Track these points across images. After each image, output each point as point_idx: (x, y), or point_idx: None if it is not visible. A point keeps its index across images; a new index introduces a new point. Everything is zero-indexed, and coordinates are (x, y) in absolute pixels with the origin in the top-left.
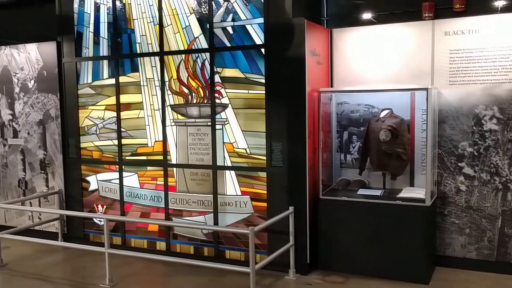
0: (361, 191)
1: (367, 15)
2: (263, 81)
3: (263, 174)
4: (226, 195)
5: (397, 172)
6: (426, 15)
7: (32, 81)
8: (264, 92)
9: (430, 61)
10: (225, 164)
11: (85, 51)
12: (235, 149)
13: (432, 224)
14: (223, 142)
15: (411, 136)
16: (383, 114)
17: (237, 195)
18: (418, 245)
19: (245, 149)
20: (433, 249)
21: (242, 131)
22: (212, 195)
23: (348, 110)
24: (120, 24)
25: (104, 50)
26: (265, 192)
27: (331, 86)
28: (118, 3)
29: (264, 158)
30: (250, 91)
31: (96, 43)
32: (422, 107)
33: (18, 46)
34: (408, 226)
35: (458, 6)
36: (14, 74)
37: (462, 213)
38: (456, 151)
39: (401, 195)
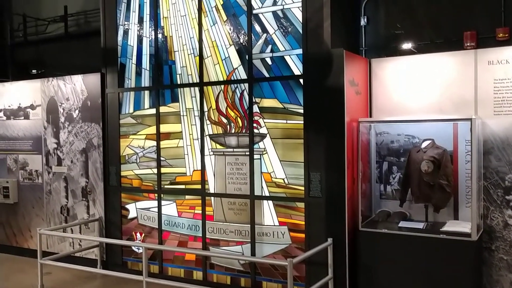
0: (402, 224)
1: (406, 45)
2: (302, 111)
3: (301, 205)
4: (264, 225)
5: (440, 204)
6: (468, 44)
7: (77, 111)
8: (302, 122)
9: (473, 91)
10: (263, 194)
11: (127, 82)
12: (273, 179)
13: (478, 259)
14: (261, 172)
15: (454, 167)
16: (424, 144)
17: (274, 226)
18: (464, 282)
19: (283, 179)
20: (479, 286)
21: (280, 161)
22: (249, 225)
23: (388, 140)
24: (161, 56)
25: (145, 81)
26: (303, 222)
27: (370, 116)
28: (160, 36)
29: (302, 188)
30: (288, 121)
31: (138, 74)
32: (466, 138)
33: (64, 78)
34: (453, 261)
35: (501, 35)
36: (60, 104)
37: (511, 248)
38: (503, 184)
39: (445, 228)
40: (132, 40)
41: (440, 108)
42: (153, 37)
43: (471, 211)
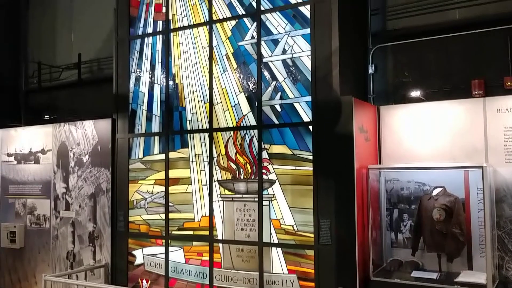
0: (415, 273)
1: (415, 93)
2: (311, 157)
3: (310, 252)
4: (273, 273)
5: (453, 254)
6: (476, 92)
7: (87, 156)
8: (311, 168)
9: (483, 138)
10: (272, 241)
11: (138, 127)
12: (282, 226)
13: None
14: (270, 218)
15: (466, 215)
16: (435, 192)
17: (283, 274)
18: None
19: (292, 226)
20: None
21: (290, 207)
22: (258, 273)
23: (398, 187)
24: (172, 102)
25: (156, 127)
26: (313, 271)
27: (380, 163)
28: (171, 83)
29: (312, 235)
30: (297, 167)
31: (149, 119)
32: (478, 185)
33: (76, 123)
34: None
35: (509, 83)
36: (70, 149)
37: None
38: None
39: (460, 279)
40: (144, 87)
41: (451, 155)
42: (164, 84)
43: (486, 261)
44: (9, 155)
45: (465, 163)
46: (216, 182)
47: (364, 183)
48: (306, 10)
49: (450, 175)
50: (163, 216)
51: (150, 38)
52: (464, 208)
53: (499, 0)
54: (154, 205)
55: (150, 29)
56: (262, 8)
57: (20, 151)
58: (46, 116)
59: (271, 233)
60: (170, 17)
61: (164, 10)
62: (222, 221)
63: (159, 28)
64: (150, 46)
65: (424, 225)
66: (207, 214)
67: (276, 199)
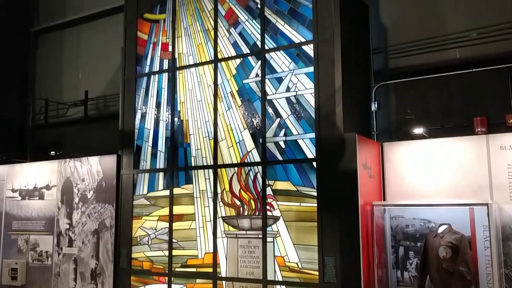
0: None
1: (418, 130)
2: (315, 194)
3: None
4: None
5: None
6: (479, 129)
7: (91, 192)
8: (316, 205)
9: (487, 175)
10: (276, 279)
11: (142, 163)
12: (286, 263)
13: None
14: (274, 255)
15: (473, 253)
16: (441, 229)
17: None
18: None
19: (297, 263)
20: None
21: (294, 244)
22: None
23: (403, 224)
24: (177, 139)
25: (160, 163)
26: None
27: (384, 199)
28: (176, 120)
29: (317, 273)
30: (302, 204)
31: (154, 155)
32: (483, 223)
33: (81, 159)
34: None
35: (511, 121)
36: (75, 185)
37: None
38: None
39: None
40: (149, 123)
41: (455, 192)
42: (170, 120)
43: None
44: (13, 190)
45: (470, 200)
46: (220, 219)
47: (368, 220)
48: (309, 49)
49: (455, 212)
50: (167, 252)
51: (156, 75)
52: (470, 246)
53: (498, 40)
54: (157, 241)
55: (156, 67)
56: (266, 47)
57: (25, 186)
58: (52, 152)
59: (275, 271)
60: (176, 56)
61: (170, 48)
62: (226, 258)
63: (165, 66)
64: (156, 84)
65: (431, 263)
66: (211, 250)
67: (280, 235)
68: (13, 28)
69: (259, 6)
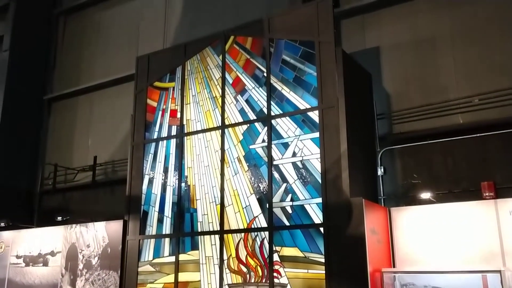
0: None
1: (425, 195)
2: (323, 260)
3: None
4: None
5: None
6: (487, 194)
7: (96, 258)
8: (324, 272)
9: (498, 241)
10: None
11: (148, 229)
12: None
13: None
14: None
15: None
16: None
17: None
18: None
19: None
20: None
21: None
22: None
23: None
24: (184, 204)
25: (167, 228)
26: None
27: (394, 266)
28: (183, 185)
29: None
30: (309, 271)
31: (160, 221)
32: None
33: (87, 224)
34: None
35: None
36: (80, 251)
37: None
38: None
39: None
40: (156, 189)
41: (466, 258)
42: (177, 185)
43: None
44: (18, 257)
45: (482, 266)
46: (226, 286)
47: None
48: (314, 115)
49: (467, 279)
50: None
51: (165, 141)
52: None
53: (500, 106)
54: None
55: (165, 133)
56: (272, 114)
57: (29, 253)
58: (58, 218)
59: None
60: (185, 122)
61: (179, 115)
62: None
63: (174, 132)
64: (164, 149)
65: None
66: None
67: None
68: (28, 96)
69: (265, 74)
